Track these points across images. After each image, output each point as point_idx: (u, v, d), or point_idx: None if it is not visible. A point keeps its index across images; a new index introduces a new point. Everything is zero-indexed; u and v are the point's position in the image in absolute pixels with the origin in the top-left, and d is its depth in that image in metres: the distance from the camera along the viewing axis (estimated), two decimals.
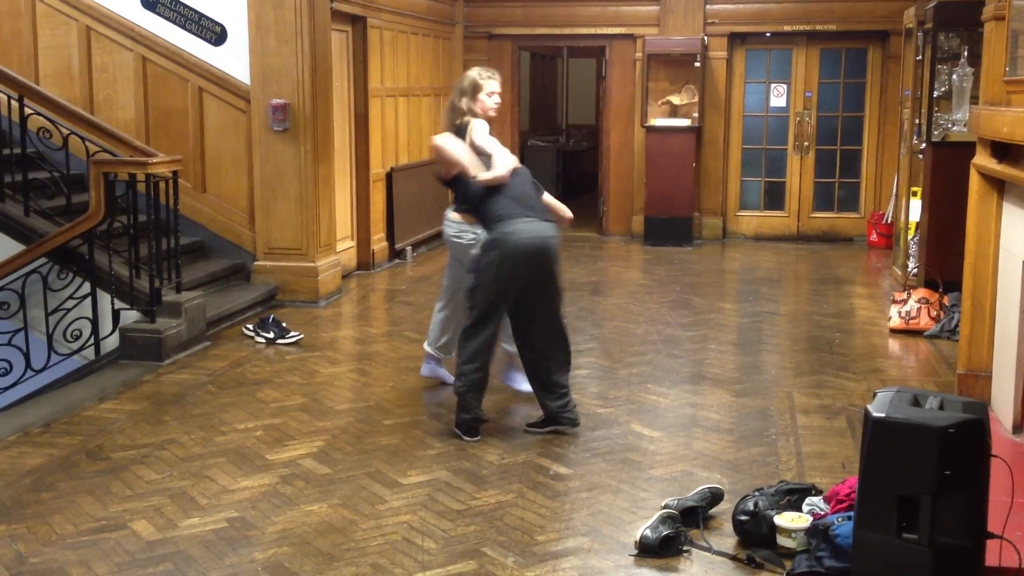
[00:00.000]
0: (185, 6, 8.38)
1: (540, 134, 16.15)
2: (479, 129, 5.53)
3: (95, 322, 6.76)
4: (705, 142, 11.94)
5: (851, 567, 3.67)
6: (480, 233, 5.46)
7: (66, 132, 7.13)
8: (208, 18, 8.39)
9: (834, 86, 12.05)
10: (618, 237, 12.32)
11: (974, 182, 5.70)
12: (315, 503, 4.52)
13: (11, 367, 6.46)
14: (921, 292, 7.81)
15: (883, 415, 3.46)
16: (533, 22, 12.21)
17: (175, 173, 7.09)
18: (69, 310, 6.70)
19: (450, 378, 5.91)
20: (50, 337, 6.62)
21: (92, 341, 6.76)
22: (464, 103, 5.67)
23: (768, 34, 11.92)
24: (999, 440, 4.87)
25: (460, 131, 5.60)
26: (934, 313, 7.60)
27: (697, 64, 11.56)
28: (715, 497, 4.41)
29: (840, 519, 3.92)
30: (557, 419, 5.40)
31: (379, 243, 10.13)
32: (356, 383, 6.41)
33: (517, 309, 5.35)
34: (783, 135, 12.17)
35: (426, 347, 6.22)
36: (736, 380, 6.43)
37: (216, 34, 8.40)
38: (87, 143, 7.07)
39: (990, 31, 5.65)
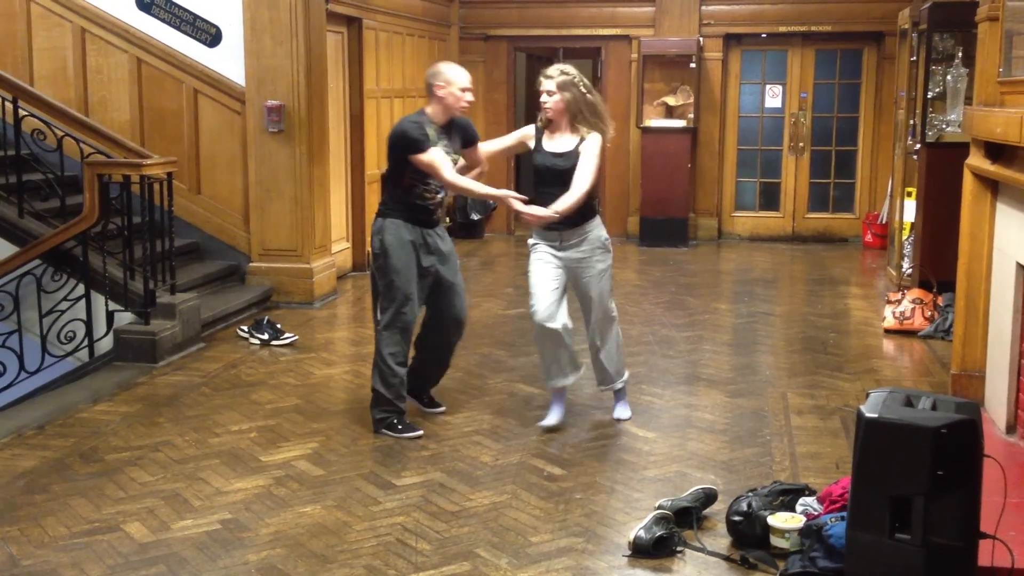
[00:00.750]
0: (180, 7, 8.37)
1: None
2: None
3: (89, 324, 6.75)
4: (700, 143, 11.95)
5: (844, 567, 3.67)
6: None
7: (60, 134, 7.13)
8: (203, 19, 8.39)
9: (829, 87, 12.07)
10: (613, 238, 12.06)
11: (968, 183, 5.70)
12: (309, 505, 4.52)
13: (5, 369, 6.45)
14: (915, 292, 7.82)
15: (876, 415, 3.46)
16: (529, 23, 12.21)
17: (170, 175, 7.09)
18: (63, 312, 6.70)
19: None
20: (44, 339, 6.61)
21: (86, 343, 6.75)
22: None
23: (763, 35, 11.94)
24: (992, 440, 4.88)
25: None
26: (928, 313, 7.61)
27: (692, 65, 11.57)
28: (709, 498, 4.42)
29: (833, 519, 3.92)
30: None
31: None
32: (350, 384, 6.41)
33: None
34: (778, 136, 12.18)
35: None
36: (731, 381, 6.43)
37: (211, 35, 8.40)
38: (81, 145, 7.06)
39: (984, 32, 5.65)
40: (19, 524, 4.32)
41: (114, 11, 8.40)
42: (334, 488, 4.70)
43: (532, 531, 4.25)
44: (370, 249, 5.64)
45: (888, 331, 7.64)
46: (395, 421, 5.40)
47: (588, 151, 5.35)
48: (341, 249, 9.50)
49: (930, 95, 8.41)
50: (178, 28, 8.41)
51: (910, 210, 8.90)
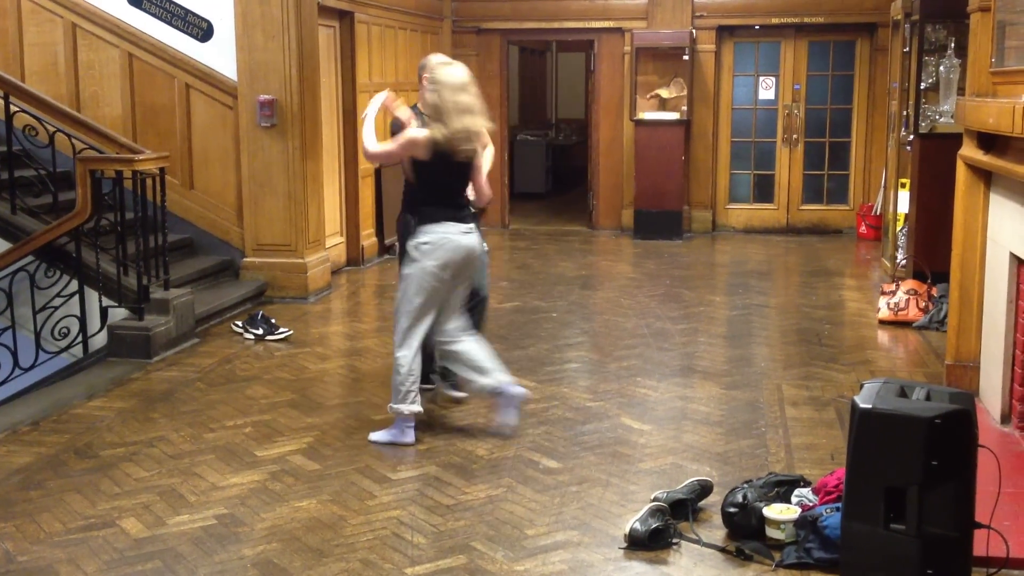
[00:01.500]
0: (171, 2, 8.35)
1: (529, 129, 16.14)
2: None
3: (83, 320, 6.73)
4: (694, 135, 11.95)
5: (840, 558, 3.69)
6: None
7: (52, 129, 7.10)
8: (194, 14, 8.36)
9: (822, 79, 12.06)
10: (608, 231, 12.32)
11: (961, 173, 5.71)
12: (304, 499, 4.52)
13: None
14: (910, 283, 7.83)
15: (870, 406, 3.48)
16: (521, 16, 12.19)
17: (162, 170, 7.07)
18: (57, 308, 6.68)
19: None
20: (38, 335, 6.59)
21: (80, 339, 6.74)
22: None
23: (756, 27, 11.93)
24: (987, 430, 4.89)
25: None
26: (922, 304, 7.62)
27: (685, 57, 11.56)
28: (704, 489, 4.42)
29: (828, 510, 3.93)
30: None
31: (368, 239, 10.12)
32: (345, 379, 6.40)
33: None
34: (772, 128, 12.18)
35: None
36: (726, 373, 6.44)
37: (202, 30, 8.37)
38: (73, 140, 7.03)
39: (976, 22, 5.66)
40: (14, 520, 4.31)
41: (105, 6, 8.37)
42: (329, 482, 4.70)
43: (528, 524, 4.25)
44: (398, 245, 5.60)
45: (883, 322, 7.65)
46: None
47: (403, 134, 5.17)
48: (335, 244, 9.49)
49: (923, 86, 8.42)
50: (169, 23, 8.39)
51: (904, 201, 8.91)
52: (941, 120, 8.20)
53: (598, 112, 12.33)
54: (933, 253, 7.85)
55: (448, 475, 4.78)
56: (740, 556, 3.95)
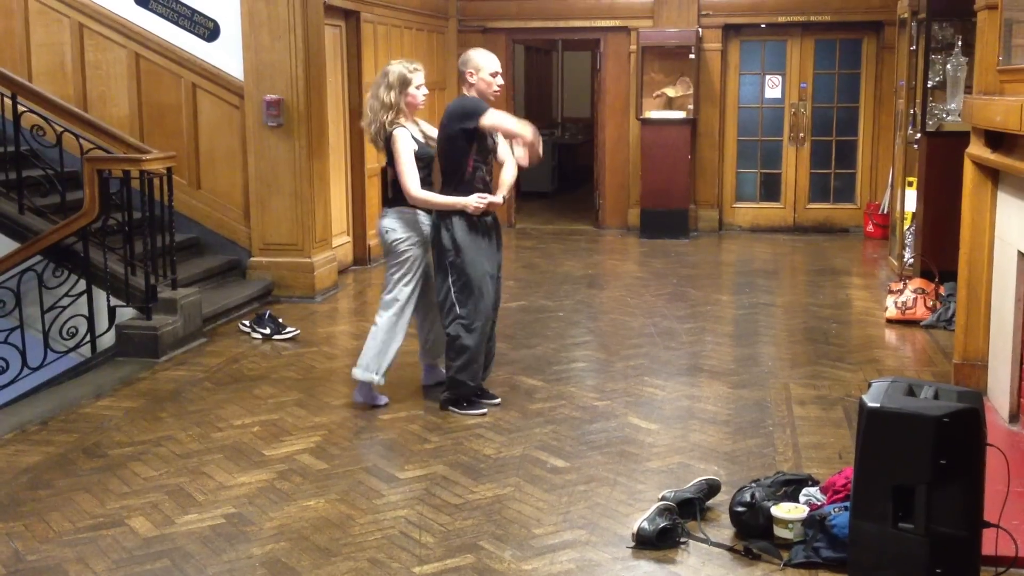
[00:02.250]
0: (178, 2, 8.36)
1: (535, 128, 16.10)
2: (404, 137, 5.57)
3: (91, 319, 6.75)
4: (700, 134, 11.94)
5: (848, 557, 3.68)
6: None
7: (60, 129, 7.12)
8: (201, 14, 8.38)
9: (829, 77, 12.05)
10: (614, 230, 12.32)
11: (968, 172, 5.70)
12: (312, 498, 4.52)
13: (7, 365, 6.45)
14: (917, 282, 7.82)
15: (878, 405, 3.47)
16: (527, 15, 12.19)
17: (169, 170, 7.09)
18: (65, 308, 6.69)
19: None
20: (46, 335, 6.61)
21: (88, 338, 6.75)
22: (393, 97, 5.58)
23: (763, 25, 11.92)
24: (995, 429, 4.87)
25: (387, 138, 5.58)
26: (930, 303, 7.61)
27: (692, 56, 11.55)
28: (712, 489, 4.42)
29: (837, 509, 3.93)
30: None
31: (375, 238, 10.11)
32: (353, 378, 6.40)
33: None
34: (778, 126, 12.16)
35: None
36: (733, 372, 6.43)
37: (209, 30, 8.38)
38: (81, 140, 7.06)
39: (983, 20, 5.64)
40: (23, 519, 4.32)
41: (112, 6, 8.39)
42: (337, 482, 4.71)
43: (535, 523, 4.26)
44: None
45: (890, 321, 7.64)
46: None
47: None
48: (342, 243, 9.50)
49: (930, 84, 8.40)
50: (176, 23, 8.40)
51: (911, 200, 8.89)
52: (948, 118, 8.18)
53: (604, 111, 12.33)
54: (940, 252, 7.83)
55: (456, 474, 4.78)
56: (748, 555, 3.95)
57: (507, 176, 5.63)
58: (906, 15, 9.25)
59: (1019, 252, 5.17)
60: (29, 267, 6.66)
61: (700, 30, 11.66)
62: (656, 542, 4.00)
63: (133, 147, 7.19)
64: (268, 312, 7.49)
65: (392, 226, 5.65)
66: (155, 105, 8.46)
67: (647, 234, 11.69)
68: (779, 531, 4.03)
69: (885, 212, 11.17)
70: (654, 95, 11.81)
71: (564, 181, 16.12)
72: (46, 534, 4.19)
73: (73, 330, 6.68)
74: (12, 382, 6.47)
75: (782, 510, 4.05)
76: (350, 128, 9.66)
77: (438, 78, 11.49)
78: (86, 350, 6.79)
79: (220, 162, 8.49)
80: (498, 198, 5.52)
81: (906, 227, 9.02)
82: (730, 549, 4.01)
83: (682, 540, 4.05)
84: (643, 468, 4.85)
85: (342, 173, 9.54)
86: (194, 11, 8.37)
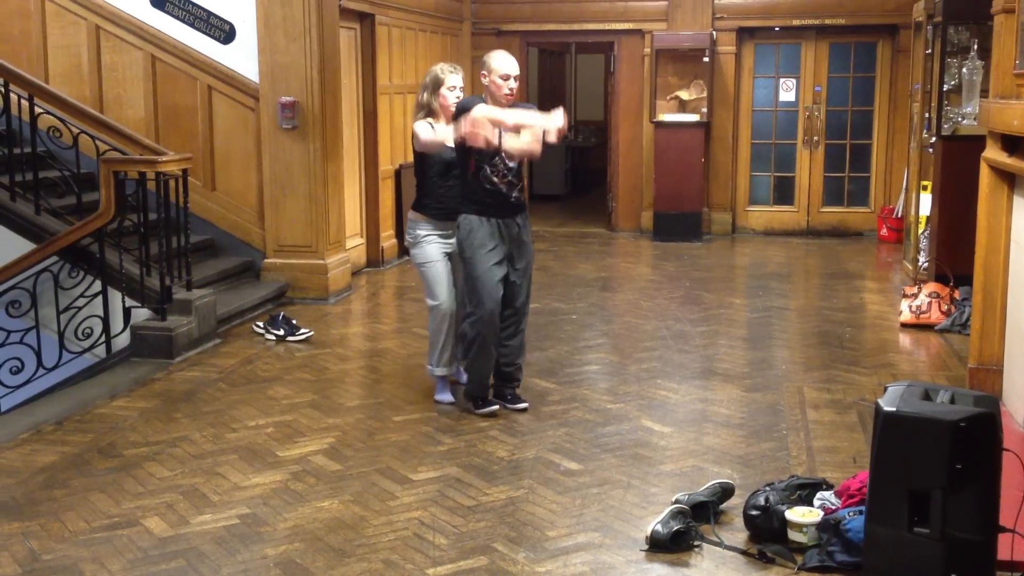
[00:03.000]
0: (194, 4, 8.40)
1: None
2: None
3: (106, 320, 6.78)
4: (714, 137, 11.92)
5: (862, 561, 3.67)
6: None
7: (76, 131, 7.16)
8: (217, 16, 8.41)
9: (843, 80, 12.01)
10: (627, 233, 12.31)
11: (984, 176, 5.68)
12: (326, 499, 4.53)
13: (23, 365, 6.48)
14: (932, 286, 7.79)
15: (894, 409, 3.46)
16: (541, 18, 12.20)
17: (185, 171, 7.11)
18: (80, 308, 6.73)
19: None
20: (61, 335, 6.64)
21: (103, 339, 6.79)
22: (426, 98, 5.72)
23: (777, 28, 11.90)
24: (1011, 434, 4.85)
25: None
26: (945, 307, 7.58)
27: (706, 59, 11.54)
28: (726, 492, 4.41)
29: (851, 513, 3.92)
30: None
31: (388, 240, 10.14)
32: (366, 380, 6.42)
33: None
34: (792, 130, 12.14)
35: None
36: (746, 375, 6.42)
37: (225, 32, 8.42)
38: (97, 142, 7.09)
39: (1000, 24, 5.62)
40: (39, 519, 4.34)
41: (128, 8, 8.43)
42: (351, 483, 4.72)
43: (549, 526, 4.26)
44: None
45: (904, 325, 7.62)
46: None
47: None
48: (355, 245, 9.52)
49: (945, 88, 8.37)
50: (192, 25, 8.44)
51: (926, 203, 8.86)
52: (964, 122, 8.15)
53: (617, 114, 12.32)
54: (955, 256, 7.80)
55: (469, 476, 4.79)
56: (762, 559, 3.94)
57: (513, 144, 5.38)
58: (921, 18, 9.22)
59: None
60: (45, 268, 6.70)
61: (714, 33, 11.65)
62: (670, 545, 4.00)
63: (149, 149, 7.22)
64: (282, 313, 7.51)
65: (407, 229, 5.82)
66: (171, 107, 8.49)
67: (660, 237, 11.68)
68: (793, 535, 4.02)
69: (899, 216, 11.13)
70: (668, 98, 11.80)
71: (577, 184, 16.12)
72: (62, 533, 4.21)
73: (88, 331, 6.71)
74: (28, 382, 6.50)
75: (796, 514, 4.04)
76: (364, 130, 9.68)
77: None
78: (101, 351, 6.82)
79: (235, 164, 8.52)
80: (494, 139, 5.35)
81: (921, 231, 8.99)
82: (744, 553, 4.01)
83: (696, 543, 4.05)
84: (656, 471, 4.84)
85: (356, 175, 9.56)
86: (210, 13, 8.41)
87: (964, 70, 8.15)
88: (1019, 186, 5.47)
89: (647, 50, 11.90)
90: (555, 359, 6.77)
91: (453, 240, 5.64)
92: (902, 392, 3.57)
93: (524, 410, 5.67)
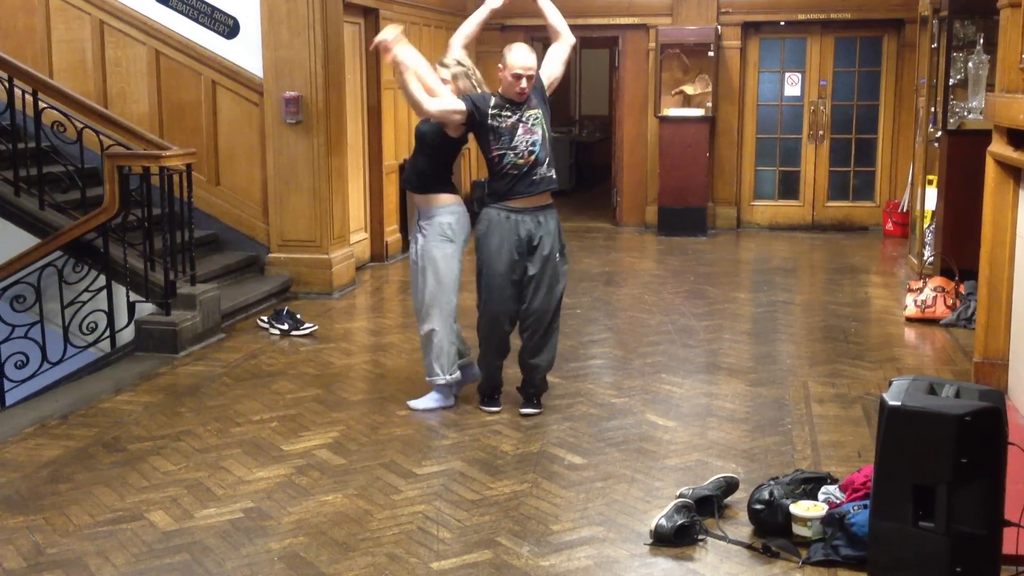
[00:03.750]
0: None
1: (553, 125, 16.06)
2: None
3: (110, 315, 6.79)
4: (719, 132, 11.91)
5: (867, 555, 3.67)
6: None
7: (80, 126, 7.16)
8: (221, 11, 8.40)
9: (849, 75, 11.99)
10: (632, 227, 12.30)
11: (990, 170, 5.66)
12: (330, 493, 4.53)
13: (28, 360, 6.49)
14: (937, 280, 7.77)
15: (899, 403, 3.45)
16: None
17: (189, 166, 7.11)
18: (84, 303, 6.74)
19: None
20: (66, 330, 6.65)
21: (108, 333, 6.79)
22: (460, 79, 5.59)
23: (782, 23, 11.86)
24: (1016, 428, 4.84)
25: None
26: (950, 301, 7.56)
27: (711, 54, 11.52)
28: (730, 486, 4.41)
29: (856, 508, 3.91)
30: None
31: (392, 235, 10.14)
32: (370, 374, 6.42)
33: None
34: (798, 124, 12.11)
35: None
36: (751, 370, 6.41)
37: (229, 27, 8.41)
38: (101, 137, 7.10)
39: (1006, 18, 5.60)
40: (44, 513, 4.35)
41: (132, 3, 8.43)
42: (355, 477, 4.72)
43: (553, 520, 4.26)
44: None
45: (909, 319, 7.60)
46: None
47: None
48: (359, 240, 9.52)
49: (951, 82, 8.35)
50: (196, 20, 8.43)
51: (931, 198, 8.85)
52: (970, 116, 8.13)
53: (622, 109, 12.30)
54: (961, 250, 7.78)
55: (473, 470, 4.79)
56: (766, 553, 3.94)
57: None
58: (927, 13, 9.19)
59: None
60: (49, 263, 6.71)
61: (719, 27, 11.63)
62: (674, 539, 3.99)
63: (153, 143, 7.21)
64: (286, 308, 7.51)
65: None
66: (175, 102, 8.49)
67: (665, 232, 11.67)
68: (797, 529, 4.01)
69: (904, 210, 11.10)
70: (672, 93, 11.78)
71: (582, 179, 16.10)
72: (66, 527, 4.21)
73: (93, 325, 6.72)
74: (32, 376, 6.52)
75: (801, 508, 4.03)
76: (368, 125, 9.68)
77: None
78: (105, 345, 6.83)
79: (239, 159, 8.52)
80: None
81: (926, 225, 8.97)
82: (748, 547, 4.00)
83: (700, 537, 4.04)
84: (661, 465, 4.84)
85: (360, 170, 9.56)
86: (214, 8, 8.40)
87: (970, 64, 8.13)
88: None
89: (652, 45, 11.87)
90: (559, 353, 6.69)
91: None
92: (907, 386, 3.57)
93: (528, 415, 5.54)
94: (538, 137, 5.42)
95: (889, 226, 11.52)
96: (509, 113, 5.37)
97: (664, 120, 11.64)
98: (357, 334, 7.45)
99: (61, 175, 7.39)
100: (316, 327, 7.37)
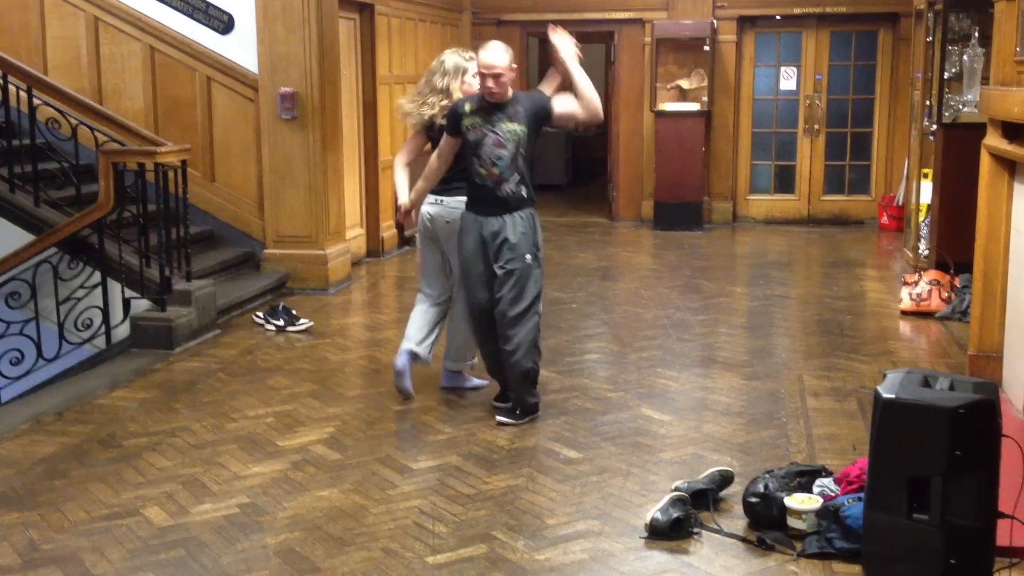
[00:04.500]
0: None
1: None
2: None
3: (106, 311, 6.78)
4: (715, 126, 11.90)
5: (862, 548, 3.68)
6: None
7: (75, 122, 7.15)
8: (215, 7, 8.39)
9: (844, 68, 11.99)
10: (628, 222, 12.30)
11: (985, 163, 5.67)
12: (326, 489, 4.54)
13: (23, 356, 6.48)
14: (932, 274, 7.78)
15: (893, 396, 3.46)
16: (541, 8, 12.16)
17: (184, 162, 7.10)
18: (80, 299, 6.73)
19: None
20: (61, 326, 6.65)
21: (103, 330, 6.79)
22: (445, 82, 5.54)
23: (778, 17, 11.86)
24: (1010, 420, 4.84)
25: (433, 128, 5.52)
26: (945, 295, 7.57)
27: (706, 48, 11.52)
28: (725, 479, 4.41)
29: (851, 500, 3.92)
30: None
31: (388, 230, 10.14)
32: (366, 369, 6.42)
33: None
34: (793, 118, 12.12)
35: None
36: (746, 363, 6.42)
37: (224, 23, 8.40)
38: (96, 133, 7.09)
39: (1001, 11, 5.61)
40: (39, 509, 4.35)
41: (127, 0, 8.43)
42: (351, 472, 4.72)
43: (549, 514, 4.26)
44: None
45: (905, 313, 7.61)
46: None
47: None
48: (355, 235, 9.51)
49: (946, 75, 8.35)
50: (191, 16, 8.41)
51: (926, 191, 8.85)
52: (965, 110, 8.13)
53: (618, 103, 12.30)
54: (956, 243, 7.79)
55: (469, 465, 4.79)
56: (761, 546, 3.94)
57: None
58: (922, 6, 9.19)
59: None
60: (44, 259, 6.69)
61: (715, 22, 11.63)
62: (669, 532, 4.00)
63: (148, 140, 7.20)
64: (282, 304, 7.51)
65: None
66: (170, 98, 8.48)
67: (661, 226, 11.67)
68: (792, 522, 4.02)
69: (900, 204, 11.12)
70: (668, 87, 11.78)
71: (578, 173, 16.10)
72: (61, 524, 4.21)
73: (88, 321, 6.71)
74: (27, 373, 6.51)
75: (796, 501, 4.04)
76: (364, 121, 9.68)
77: None
78: (101, 341, 6.82)
79: (234, 155, 8.51)
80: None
81: (921, 219, 8.98)
82: (743, 539, 4.01)
83: (695, 531, 4.05)
84: (656, 459, 4.84)
85: (356, 166, 9.56)
86: (209, 4, 8.38)
87: (965, 58, 8.13)
88: (1019, 173, 5.46)
89: (647, 39, 11.87)
90: (555, 348, 6.76)
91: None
92: (901, 379, 3.57)
93: (501, 423, 5.31)
94: (506, 153, 5.13)
95: (884, 220, 11.53)
96: (481, 120, 5.16)
97: (660, 115, 11.64)
98: (353, 330, 7.44)
99: (56, 172, 7.37)
100: (312, 323, 7.37)
